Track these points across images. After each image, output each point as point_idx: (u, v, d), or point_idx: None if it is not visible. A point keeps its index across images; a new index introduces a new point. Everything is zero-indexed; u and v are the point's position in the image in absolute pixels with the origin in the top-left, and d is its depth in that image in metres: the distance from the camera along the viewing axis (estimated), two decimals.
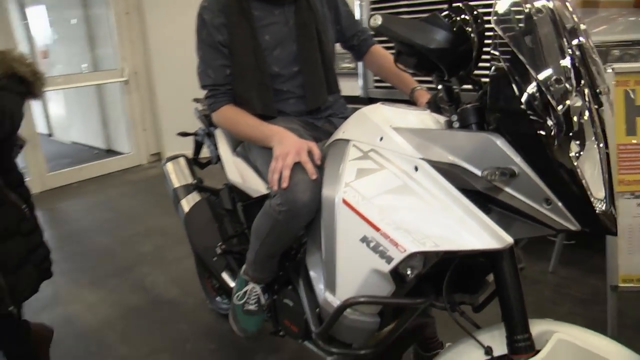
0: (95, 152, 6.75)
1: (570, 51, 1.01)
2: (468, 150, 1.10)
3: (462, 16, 1.10)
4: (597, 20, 2.89)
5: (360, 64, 3.52)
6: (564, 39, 1.00)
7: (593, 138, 1.05)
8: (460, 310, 1.34)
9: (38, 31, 7.74)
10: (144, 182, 5.32)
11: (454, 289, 1.37)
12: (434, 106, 1.39)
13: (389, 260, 1.17)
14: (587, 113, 1.04)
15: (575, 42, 1.05)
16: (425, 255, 1.19)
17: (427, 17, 1.10)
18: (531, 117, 0.98)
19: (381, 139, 1.30)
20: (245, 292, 1.83)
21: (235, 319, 1.88)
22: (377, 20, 1.08)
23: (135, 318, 2.70)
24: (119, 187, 5.17)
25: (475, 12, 1.12)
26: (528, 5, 1.00)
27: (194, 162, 2.52)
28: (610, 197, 1.05)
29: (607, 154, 1.07)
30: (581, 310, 2.43)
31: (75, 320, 2.71)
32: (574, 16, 1.09)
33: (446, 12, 1.11)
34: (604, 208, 1.02)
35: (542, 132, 0.98)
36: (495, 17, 1.00)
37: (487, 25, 1.11)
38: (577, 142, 1.04)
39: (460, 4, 1.11)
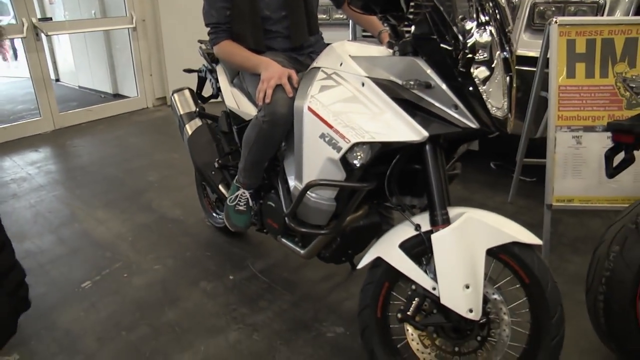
0: (102, 96, 7.06)
1: (480, 1, 1.36)
2: (399, 69, 1.48)
3: None
4: None
5: None
6: None
7: (501, 64, 1.41)
8: (405, 206, 1.73)
9: None
10: (150, 123, 5.67)
11: (405, 192, 1.77)
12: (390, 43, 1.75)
13: (338, 150, 1.58)
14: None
15: None
16: (366, 146, 1.56)
17: None
18: (442, 44, 1.34)
19: (341, 64, 1.70)
20: (237, 196, 2.23)
21: (227, 217, 2.29)
22: None
23: (143, 232, 3.10)
24: (127, 127, 5.53)
25: None
26: None
27: (198, 97, 2.87)
28: (509, 107, 1.42)
29: (512, 77, 1.43)
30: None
31: (91, 234, 3.11)
32: None
33: None
34: (502, 113, 1.40)
35: (451, 56, 1.34)
36: None
37: None
38: (486, 67, 1.40)
39: None
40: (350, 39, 3.85)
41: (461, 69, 1.34)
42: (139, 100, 6.17)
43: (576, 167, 2.45)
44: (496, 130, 1.41)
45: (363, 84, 1.59)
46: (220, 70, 2.47)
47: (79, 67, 7.81)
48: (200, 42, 2.74)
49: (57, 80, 8.63)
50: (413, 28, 1.43)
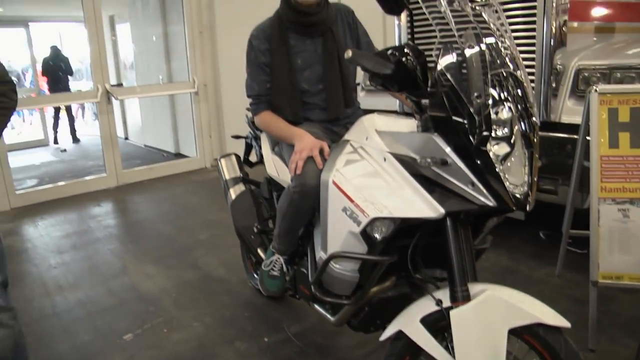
0: (164, 155, 7.45)
1: (497, 78, 1.39)
2: (418, 145, 1.52)
3: (406, 53, 1.51)
4: (607, 45, 3.18)
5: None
6: (491, 69, 1.38)
7: (521, 140, 1.42)
8: (430, 279, 1.73)
9: (124, 45, 8.62)
10: (206, 182, 5.89)
11: (429, 265, 1.77)
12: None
13: (358, 224, 1.61)
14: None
15: (504, 70, 1.41)
16: (387, 220, 1.58)
17: (379, 52, 1.53)
18: (457, 122, 1.37)
19: (367, 138, 1.76)
20: (272, 261, 2.28)
21: (261, 281, 2.34)
22: (349, 53, 1.51)
23: (187, 289, 3.19)
24: (184, 185, 5.77)
25: (416, 50, 1.53)
26: (462, 44, 1.40)
27: (245, 161, 3.01)
28: (529, 184, 1.41)
29: (532, 153, 1.43)
30: (577, 309, 2.67)
31: (138, 287, 3.23)
32: (511, 51, 1.46)
33: (391, 51, 1.52)
34: (521, 191, 1.40)
35: (466, 134, 1.36)
36: (437, 52, 1.41)
37: (428, 59, 1.52)
38: (506, 144, 1.41)
39: (404, 44, 1.54)
40: (398, 108, 3.92)
41: (477, 147, 1.36)
42: (197, 160, 6.45)
43: (624, 241, 2.34)
44: (515, 208, 1.40)
45: (385, 159, 1.63)
46: (263, 138, 2.58)
47: (146, 127, 8.30)
48: (248, 109, 2.89)
49: (126, 138, 9.19)
50: (429, 106, 1.47)
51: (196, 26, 6.06)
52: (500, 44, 1.42)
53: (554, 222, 3.55)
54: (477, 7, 1.43)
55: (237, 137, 2.99)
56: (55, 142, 9.35)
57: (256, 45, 2.19)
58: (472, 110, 1.35)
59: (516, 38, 3.06)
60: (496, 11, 1.47)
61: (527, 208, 1.42)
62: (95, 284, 3.31)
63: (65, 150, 8.56)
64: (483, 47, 1.38)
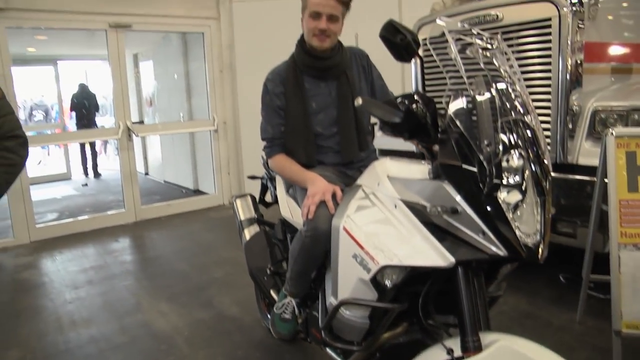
0: (183, 191, 7.52)
1: (507, 124, 1.38)
2: (428, 193, 1.51)
3: (415, 101, 1.50)
4: (624, 87, 3.15)
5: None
6: (501, 116, 1.37)
7: (532, 188, 1.40)
8: (442, 325, 1.69)
9: (146, 82, 8.84)
10: (223, 220, 5.91)
11: (442, 311, 1.73)
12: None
13: (368, 271, 1.60)
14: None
15: (514, 117, 1.41)
16: (397, 268, 1.56)
17: (388, 100, 1.53)
18: (466, 171, 1.36)
19: (378, 184, 1.75)
20: (284, 304, 2.26)
21: (273, 324, 2.30)
22: (359, 101, 1.51)
23: (200, 327, 3.16)
24: (201, 222, 5.79)
25: (426, 97, 1.52)
26: (473, 91, 1.40)
27: (261, 202, 3.02)
28: (542, 233, 1.38)
29: (545, 201, 1.40)
30: (598, 358, 2.60)
31: (151, 325, 3.22)
32: (521, 96, 1.45)
33: (400, 99, 1.52)
34: (533, 241, 1.37)
35: (476, 182, 1.35)
36: (447, 102, 1.41)
37: (438, 106, 1.52)
38: (518, 191, 1.38)
39: (413, 92, 1.54)
40: (415, 149, 3.91)
41: (487, 195, 1.34)
42: (215, 198, 6.49)
43: None
44: (527, 259, 1.37)
45: (396, 206, 1.63)
46: (278, 180, 2.60)
47: (166, 163, 8.41)
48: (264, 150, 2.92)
49: (147, 174, 9.32)
50: (439, 153, 1.46)
51: (217, 65, 6.20)
52: (510, 89, 1.41)
53: (575, 264, 3.47)
54: (488, 54, 1.43)
55: (252, 177, 3.02)
56: (86, 174, 9.58)
57: (271, 89, 2.23)
58: (482, 158, 1.34)
59: (531, 78, 3.06)
60: (507, 55, 1.47)
61: (540, 258, 1.39)
62: (109, 321, 3.31)
63: (86, 185, 8.71)
64: (493, 93, 1.38)
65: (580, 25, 2.93)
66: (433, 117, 1.49)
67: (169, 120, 8.02)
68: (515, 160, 1.36)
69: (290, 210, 2.40)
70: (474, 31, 1.46)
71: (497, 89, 1.39)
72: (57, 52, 8.89)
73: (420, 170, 1.66)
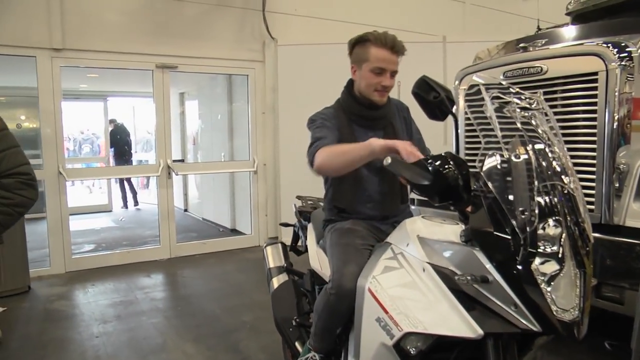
0: (221, 230, 7.55)
1: (544, 189, 1.30)
2: (459, 259, 1.44)
3: (446, 163, 1.43)
4: None
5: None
6: (538, 180, 1.29)
7: (571, 259, 1.30)
8: None
9: (191, 120, 9.08)
10: (258, 261, 5.82)
11: None
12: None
13: (392, 337, 1.53)
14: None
15: (553, 182, 1.32)
16: (421, 335, 1.47)
17: (417, 161, 1.46)
18: (499, 239, 1.28)
19: (407, 244, 1.68)
20: (307, 358, 2.18)
21: None
22: (388, 160, 1.47)
23: None
24: (235, 263, 5.77)
25: (458, 159, 1.46)
26: (508, 152, 1.33)
27: (292, 249, 2.98)
28: (581, 308, 1.28)
29: (585, 273, 1.30)
30: None
31: None
32: (561, 158, 1.37)
33: (430, 160, 1.45)
34: (571, 317, 1.26)
35: (509, 251, 1.27)
36: (480, 164, 1.35)
37: (471, 169, 1.45)
38: (555, 262, 1.29)
39: (444, 153, 1.46)
40: None
41: (521, 266, 1.26)
42: (252, 238, 6.48)
43: None
44: (563, 334, 1.27)
45: (424, 270, 1.56)
46: (310, 229, 2.57)
47: (205, 200, 8.51)
48: (298, 197, 2.90)
49: (186, 210, 9.44)
50: (470, 217, 1.40)
51: (259, 107, 6.30)
52: (549, 150, 1.34)
53: (622, 330, 3.26)
54: (527, 113, 1.37)
55: (285, 224, 3.00)
56: (125, 206, 9.83)
57: (325, 118, 2.14)
58: (515, 225, 1.26)
59: (575, 134, 2.94)
60: (546, 114, 1.40)
61: (578, 336, 1.28)
62: (133, 358, 3.27)
63: (123, 219, 8.85)
64: (530, 155, 1.31)
65: (629, 79, 2.81)
66: (466, 179, 1.43)
67: (211, 158, 8.16)
68: (552, 228, 1.27)
69: (319, 262, 2.35)
70: (513, 90, 1.41)
71: (534, 151, 1.32)
72: (107, 88, 9.26)
73: (453, 231, 1.59)
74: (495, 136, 1.37)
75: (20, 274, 4.69)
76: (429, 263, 1.54)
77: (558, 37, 3.40)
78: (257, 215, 6.45)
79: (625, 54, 2.79)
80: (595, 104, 2.86)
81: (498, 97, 1.39)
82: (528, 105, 1.38)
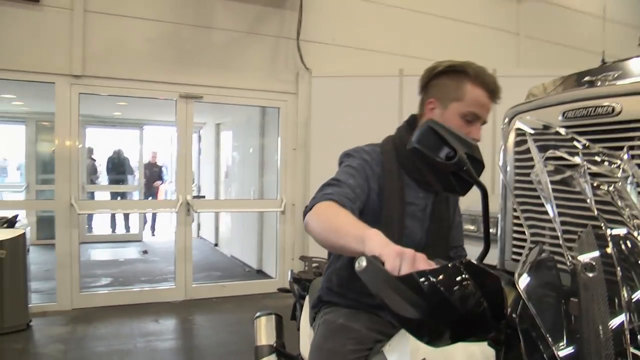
0: (247, 270, 7.08)
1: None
2: None
3: (462, 279, 0.78)
4: None
5: (500, 229, 3.22)
6: (629, 315, 0.72)
7: None
8: None
9: (225, 153, 8.77)
10: (280, 309, 5.33)
11: None
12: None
13: None
14: None
15: None
16: None
17: (405, 276, 0.80)
18: None
19: None
20: None
21: None
22: (361, 263, 0.83)
23: None
24: (253, 311, 5.19)
25: (478, 271, 0.79)
26: (574, 259, 0.76)
27: (294, 318, 2.44)
28: None
29: None
30: None
31: None
32: None
33: (428, 272, 0.78)
34: None
35: None
36: (519, 275, 0.78)
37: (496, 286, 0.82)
38: None
39: (461, 260, 0.79)
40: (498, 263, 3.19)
41: None
42: (276, 283, 5.95)
43: None
44: None
45: None
46: (306, 304, 2.04)
47: (234, 237, 8.11)
48: (302, 258, 2.40)
49: (216, 245, 9.06)
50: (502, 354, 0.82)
51: (291, 142, 5.84)
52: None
53: None
54: (611, 188, 0.79)
55: (284, 290, 2.46)
56: (153, 234, 9.71)
57: (368, 160, 1.58)
58: None
59: None
60: (636, 181, 0.82)
61: None
62: None
63: (146, 252, 8.47)
64: (613, 258, 0.74)
65: None
66: (494, 301, 0.79)
67: (241, 194, 7.76)
68: None
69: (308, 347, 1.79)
70: (579, 142, 0.84)
71: (618, 249, 0.75)
72: (142, 116, 9.11)
73: (470, 356, 1.02)
74: (546, 213, 0.81)
75: (20, 309, 4.34)
76: None
77: (634, 70, 2.76)
78: (284, 259, 5.93)
79: None
80: None
81: (553, 154, 0.83)
82: (608, 172, 0.80)
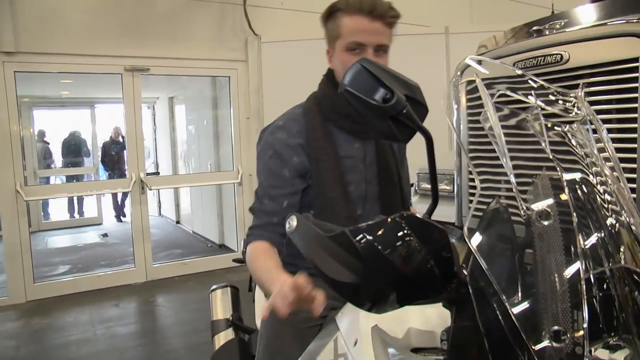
0: (209, 245, 6.95)
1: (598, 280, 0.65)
2: None
3: (404, 235, 0.70)
4: None
5: (457, 185, 3.17)
6: (591, 265, 0.65)
7: None
8: None
9: (180, 126, 8.54)
10: (243, 283, 5.26)
11: None
12: None
13: None
14: None
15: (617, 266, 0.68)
16: None
17: (337, 235, 0.71)
18: None
19: (356, 342, 1.01)
20: None
21: None
22: (292, 223, 0.77)
23: None
24: None
25: (422, 226, 0.72)
26: (528, 209, 0.69)
27: (251, 290, 2.35)
28: None
29: None
30: None
31: None
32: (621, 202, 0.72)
33: (364, 232, 0.69)
34: None
35: None
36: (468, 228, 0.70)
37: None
38: None
39: (398, 217, 0.71)
40: (456, 220, 3.15)
41: None
42: (238, 256, 5.87)
43: None
44: None
45: None
46: None
47: (195, 213, 7.95)
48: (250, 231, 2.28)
49: (178, 222, 8.88)
50: (455, 314, 0.75)
51: (243, 111, 5.67)
52: (602, 191, 0.70)
53: None
54: (566, 128, 0.71)
55: (239, 261, 2.35)
56: (119, 219, 9.26)
57: (283, 139, 1.49)
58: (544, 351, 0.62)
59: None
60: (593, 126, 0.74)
61: None
62: None
63: (106, 235, 8.22)
64: (573, 214, 0.67)
65: None
66: (441, 259, 0.71)
67: (198, 168, 7.57)
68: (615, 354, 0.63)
69: None
70: (535, 83, 0.75)
71: (577, 204, 0.67)
72: (93, 95, 8.70)
73: (434, 323, 0.94)
74: (501, 167, 0.73)
75: None
76: None
77: (580, 18, 2.71)
78: (244, 231, 5.81)
79: None
80: (635, 99, 2.19)
81: (507, 98, 0.74)
82: (563, 111, 0.72)
